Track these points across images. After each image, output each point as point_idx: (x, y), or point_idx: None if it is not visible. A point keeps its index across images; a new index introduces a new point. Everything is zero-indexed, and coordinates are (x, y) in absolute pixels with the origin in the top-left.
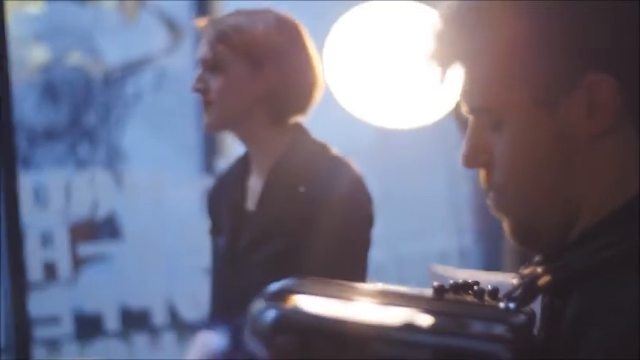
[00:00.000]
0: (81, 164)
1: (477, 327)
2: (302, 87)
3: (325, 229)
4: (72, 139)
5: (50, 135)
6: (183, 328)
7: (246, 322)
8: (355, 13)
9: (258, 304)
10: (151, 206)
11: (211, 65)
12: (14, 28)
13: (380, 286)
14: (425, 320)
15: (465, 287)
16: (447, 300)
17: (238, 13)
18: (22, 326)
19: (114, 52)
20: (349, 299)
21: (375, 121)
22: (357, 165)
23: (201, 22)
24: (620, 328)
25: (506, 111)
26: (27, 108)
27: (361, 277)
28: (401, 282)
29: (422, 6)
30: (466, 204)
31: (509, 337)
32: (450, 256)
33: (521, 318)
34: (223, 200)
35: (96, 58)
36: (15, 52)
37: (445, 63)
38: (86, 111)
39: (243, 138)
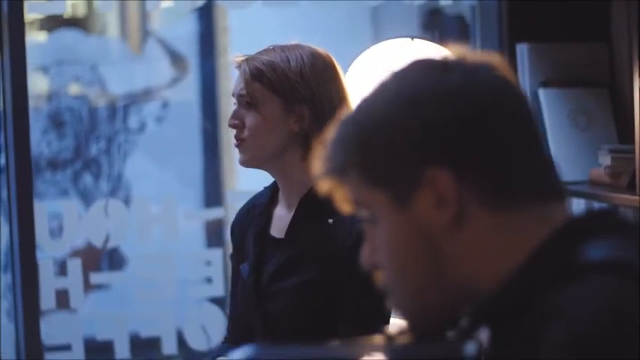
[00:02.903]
0: (84, 194)
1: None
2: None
3: (352, 262)
4: (75, 169)
5: (54, 165)
6: (192, 358)
7: None
8: (371, 51)
9: None
10: (159, 236)
11: (247, 102)
12: None
13: (333, 344)
14: None
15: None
16: (399, 343)
17: (273, 49)
18: (34, 354)
19: (118, 83)
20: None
21: None
22: None
23: (237, 57)
24: (561, 334)
25: (374, 208)
26: (31, 137)
27: (387, 312)
28: None
29: (435, 45)
30: None
31: None
32: None
33: (468, 347)
34: (248, 227)
35: (100, 89)
36: None
37: (330, 173)
38: (90, 141)
39: (274, 172)
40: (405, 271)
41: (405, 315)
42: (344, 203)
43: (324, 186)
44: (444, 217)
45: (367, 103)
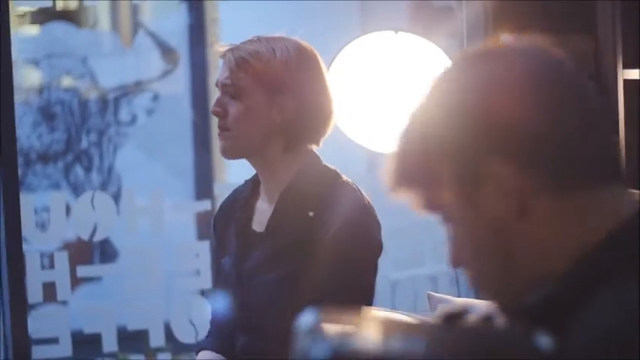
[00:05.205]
0: (75, 187)
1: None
2: (318, 116)
3: (334, 255)
4: (66, 162)
5: (44, 158)
6: (179, 350)
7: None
8: (355, 44)
9: (304, 338)
10: (147, 229)
11: (231, 91)
12: None
13: (399, 316)
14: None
15: (461, 314)
16: (461, 326)
17: (258, 39)
18: (22, 347)
19: (109, 76)
20: (376, 331)
21: (371, 146)
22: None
23: (222, 47)
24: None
25: (447, 209)
26: (21, 130)
27: (367, 304)
28: (392, 306)
29: (419, 39)
30: None
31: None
32: (440, 282)
33: (542, 340)
34: (230, 221)
35: (91, 82)
36: None
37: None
38: (80, 134)
39: (256, 163)
40: (482, 264)
41: (498, 308)
42: (421, 208)
43: (398, 195)
44: (510, 208)
45: (421, 111)
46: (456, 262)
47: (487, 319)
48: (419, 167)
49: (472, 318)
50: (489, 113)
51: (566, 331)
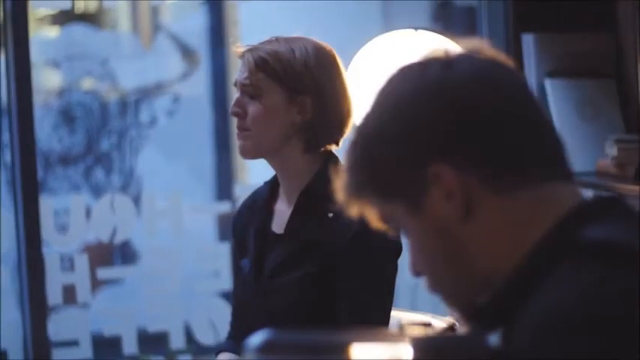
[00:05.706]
0: (96, 189)
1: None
2: (337, 116)
3: (353, 256)
4: (87, 164)
5: (65, 160)
6: (200, 352)
7: None
8: (374, 43)
9: (250, 357)
10: (167, 231)
11: (250, 91)
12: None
13: (344, 334)
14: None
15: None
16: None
17: (277, 40)
18: (42, 349)
19: (129, 78)
20: (332, 350)
21: None
22: None
23: (240, 48)
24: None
25: (399, 220)
26: (42, 133)
27: (388, 305)
28: (413, 307)
29: (439, 37)
30: None
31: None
32: None
33: (491, 338)
34: (250, 223)
35: (111, 84)
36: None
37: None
38: (101, 136)
39: (275, 164)
40: (437, 270)
41: (458, 312)
42: (377, 222)
43: (353, 210)
44: (455, 209)
45: (363, 124)
46: (415, 270)
47: (450, 328)
48: (366, 178)
49: (435, 328)
50: (427, 119)
51: (516, 327)
